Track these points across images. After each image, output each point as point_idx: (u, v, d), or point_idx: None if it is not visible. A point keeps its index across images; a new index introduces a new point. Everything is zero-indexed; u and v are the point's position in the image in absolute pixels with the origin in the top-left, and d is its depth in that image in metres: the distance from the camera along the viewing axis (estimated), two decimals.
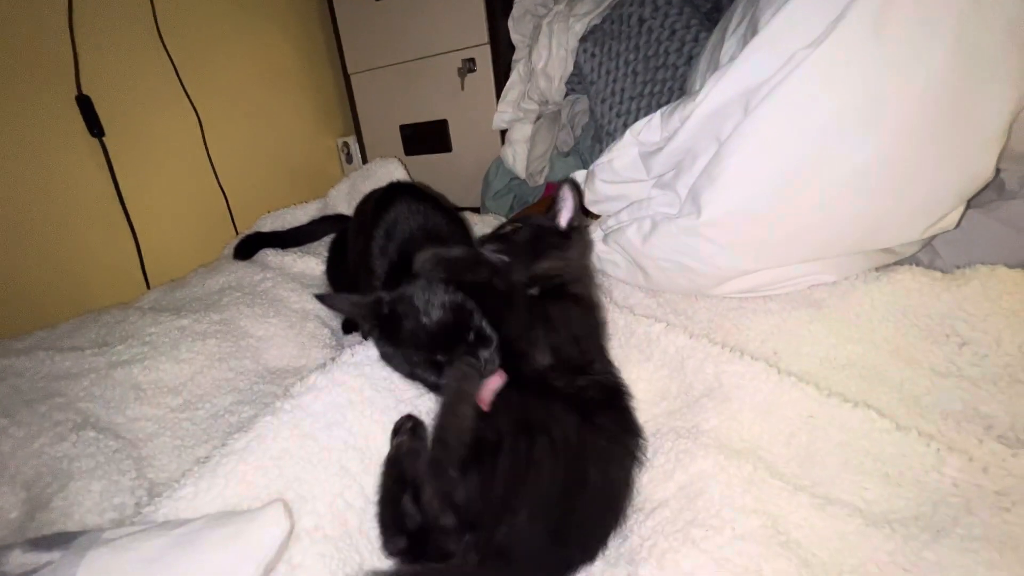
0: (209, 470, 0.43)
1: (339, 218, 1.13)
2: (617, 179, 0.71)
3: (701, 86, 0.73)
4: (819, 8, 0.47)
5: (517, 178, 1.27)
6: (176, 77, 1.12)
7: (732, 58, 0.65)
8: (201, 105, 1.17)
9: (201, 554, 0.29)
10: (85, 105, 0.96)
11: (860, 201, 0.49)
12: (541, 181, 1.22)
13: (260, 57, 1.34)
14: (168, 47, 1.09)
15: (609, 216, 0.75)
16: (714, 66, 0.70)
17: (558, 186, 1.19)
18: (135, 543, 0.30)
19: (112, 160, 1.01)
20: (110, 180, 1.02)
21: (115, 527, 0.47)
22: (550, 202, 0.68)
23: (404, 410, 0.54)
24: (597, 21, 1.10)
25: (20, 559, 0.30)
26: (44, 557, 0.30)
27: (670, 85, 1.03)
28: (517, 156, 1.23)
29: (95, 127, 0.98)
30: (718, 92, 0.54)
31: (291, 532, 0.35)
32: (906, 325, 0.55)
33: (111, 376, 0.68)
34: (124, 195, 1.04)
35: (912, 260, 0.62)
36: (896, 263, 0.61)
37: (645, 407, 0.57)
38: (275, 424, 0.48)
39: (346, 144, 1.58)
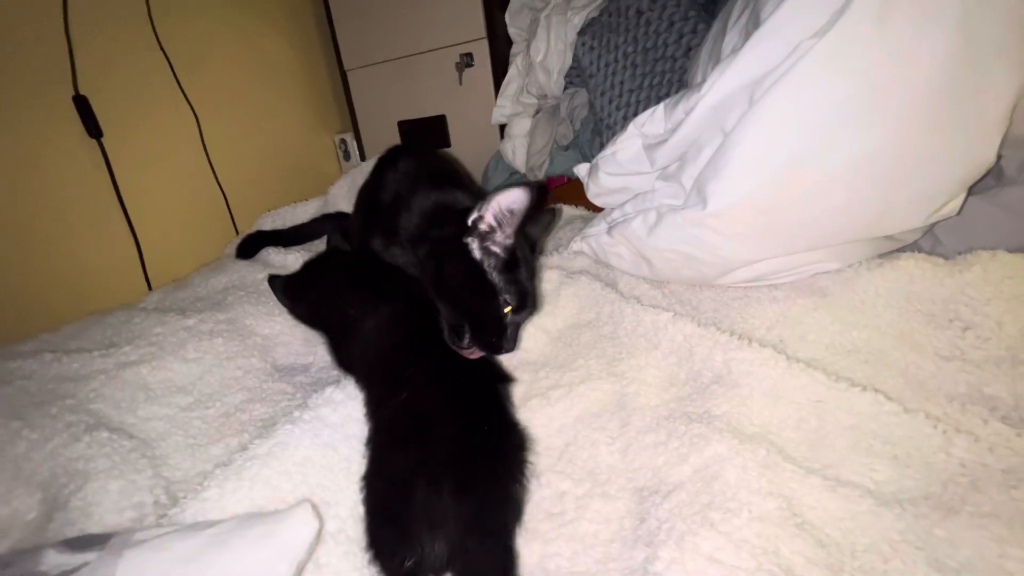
0: (234, 472, 0.44)
1: (340, 216, 1.13)
2: (621, 171, 0.72)
3: (703, 78, 0.74)
4: None
5: (517, 172, 1.28)
6: (173, 76, 1.11)
7: (735, 50, 0.66)
8: (198, 104, 1.16)
9: (237, 553, 0.30)
10: (82, 105, 0.95)
11: (864, 189, 0.50)
12: (541, 175, 1.23)
13: (255, 55, 1.33)
14: (164, 46, 1.08)
15: (613, 209, 0.75)
16: (715, 57, 0.71)
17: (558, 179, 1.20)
18: (170, 543, 0.31)
19: (111, 160, 1.00)
20: (109, 180, 1.01)
21: (136, 525, 0.47)
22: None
23: None
24: (595, 14, 1.10)
25: (55, 559, 0.31)
26: (79, 558, 0.30)
27: (669, 77, 1.04)
28: (517, 150, 1.23)
29: (93, 128, 0.97)
30: (723, 83, 0.54)
31: (320, 532, 0.35)
32: (910, 311, 0.56)
33: (120, 377, 0.68)
34: (123, 195, 1.04)
35: (914, 247, 0.63)
36: (898, 250, 0.62)
37: (655, 393, 0.57)
38: (296, 432, 0.49)
39: (344, 141, 1.57)
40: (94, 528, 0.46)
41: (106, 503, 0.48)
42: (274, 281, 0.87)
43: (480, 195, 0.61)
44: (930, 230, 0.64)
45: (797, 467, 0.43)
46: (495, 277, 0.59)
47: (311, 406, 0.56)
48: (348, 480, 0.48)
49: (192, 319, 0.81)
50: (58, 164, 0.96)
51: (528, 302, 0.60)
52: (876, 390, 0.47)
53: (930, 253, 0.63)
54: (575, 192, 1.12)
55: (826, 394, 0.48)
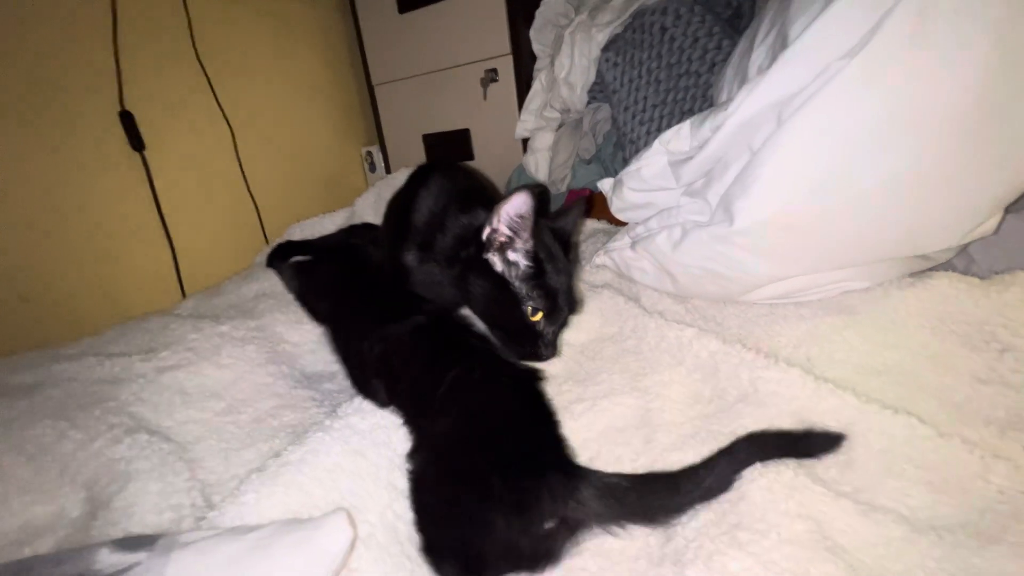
0: (269, 478, 0.45)
1: (366, 227, 1.16)
2: (645, 187, 0.72)
3: (728, 95, 0.74)
4: (853, 20, 0.48)
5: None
6: (211, 92, 1.16)
7: (761, 68, 0.67)
8: (234, 118, 1.21)
9: (277, 558, 0.31)
10: (127, 120, 1.00)
11: (897, 209, 0.50)
12: (563, 189, 1.24)
13: (288, 70, 1.38)
14: (204, 63, 1.13)
15: (637, 223, 0.76)
16: (742, 75, 0.71)
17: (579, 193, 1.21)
18: (215, 546, 0.32)
19: (151, 172, 1.05)
20: (149, 192, 1.06)
21: (175, 526, 0.49)
22: None
23: None
24: (619, 30, 1.11)
25: (109, 559, 0.32)
26: (131, 558, 0.32)
27: (693, 92, 1.04)
28: (539, 164, 1.24)
29: (136, 141, 1.02)
30: (750, 103, 0.55)
31: (354, 539, 0.36)
32: (943, 332, 0.55)
33: (158, 381, 0.71)
34: (162, 206, 1.08)
35: (947, 265, 0.62)
36: (931, 269, 0.61)
37: (679, 409, 0.57)
38: (327, 440, 0.50)
39: (370, 153, 1.61)
40: (136, 528, 0.48)
41: (146, 504, 0.50)
42: (280, 265, 0.90)
43: None
44: (964, 249, 0.63)
45: (827, 490, 0.42)
46: (518, 286, 0.60)
47: (341, 414, 0.57)
48: (376, 486, 0.49)
49: (225, 326, 0.84)
50: (103, 176, 1.01)
51: (560, 303, 0.61)
52: (909, 413, 0.46)
53: (964, 272, 0.62)
54: (599, 205, 1.13)
55: (856, 416, 0.47)
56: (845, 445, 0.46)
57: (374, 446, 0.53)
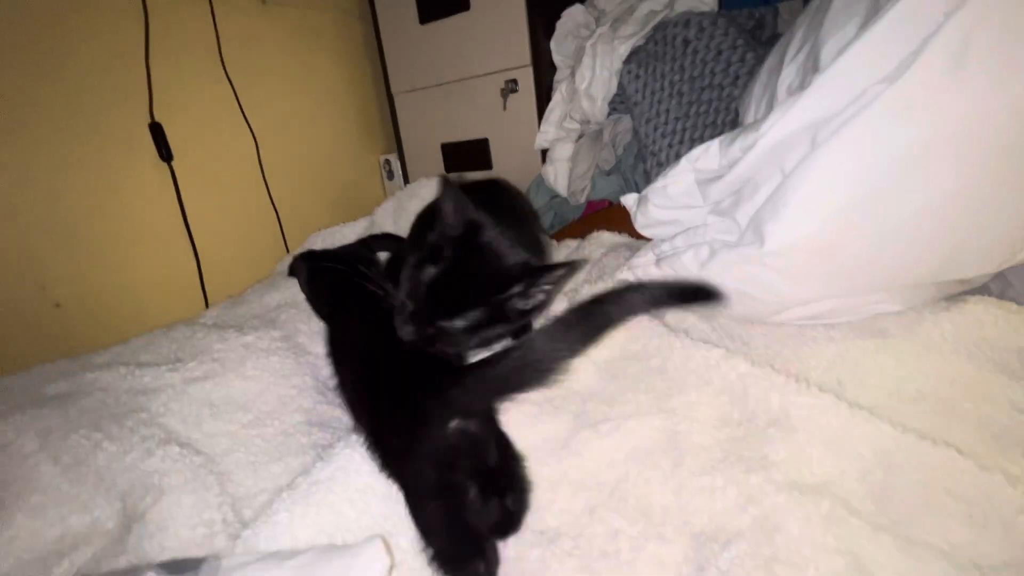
0: (301, 497, 0.46)
1: (386, 237, 1.16)
2: (671, 205, 0.72)
3: (756, 112, 0.74)
4: (891, 44, 0.47)
5: (557, 196, 1.29)
6: (237, 103, 1.18)
7: (791, 87, 0.66)
8: (257, 128, 1.23)
9: None
10: (157, 132, 1.03)
11: (937, 234, 0.49)
12: (583, 200, 1.24)
13: (309, 80, 1.41)
14: (230, 76, 1.16)
15: (662, 240, 0.76)
16: (770, 92, 0.71)
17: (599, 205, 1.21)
18: (258, 572, 0.33)
19: (179, 183, 1.07)
20: (176, 201, 1.08)
21: (207, 541, 0.50)
22: None
23: None
24: (641, 43, 1.11)
25: None
26: None
27: (716, 105, 1.04)
28: (559, 175, 1.25)
29: (165, 152, 1.04)
30: (783, 125, 0.54)
31: (391, 567, 0.36)
32: (980, 358, 0.54)
33: (187, 392, 0.72)
34: (188, 215, 1.10)
35: (983, 289, 0.61)
36: (966, 292, 0.60)
37: (708, 432, 0.57)
38: (356, 458, 0.51)
39: (388, 161, 1.63)
40: (171, 542, 0.49)
41: (180, 518, 0.51)
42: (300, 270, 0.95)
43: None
44: (999, 272, 0.62)
45: (864, 523, 0.42)
46: None
47: None
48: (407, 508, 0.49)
49: (250, 336, 0.85)
50: (132, 186, 1.03)
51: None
52: (947, 444, 0.45)
53: (999, 296, 0.61)
54: (617, 217, 1.13)
55: (893, 446, 0.47)
56: (882, 476, 0.46)
57: None
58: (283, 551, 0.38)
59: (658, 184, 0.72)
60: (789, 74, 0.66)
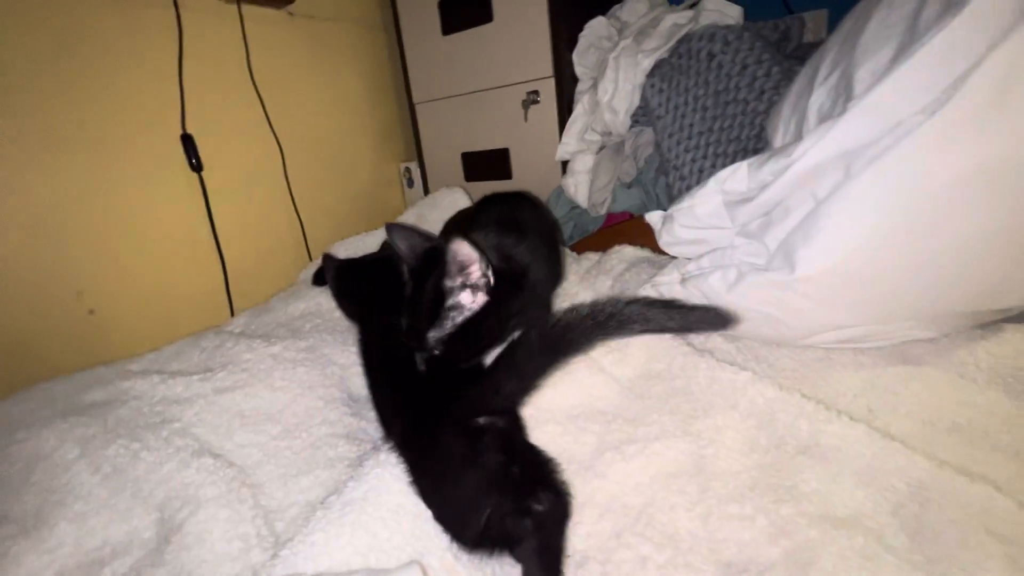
0: (336, 517, 0.47)
1: None
2: (698, 225, 0.72)
3: (785, 134, 0.73)
4: (930, 75, 0.47)
5: (577, 207, 1.29)
6: (264, 113, 1.20)
7: (821, 109, 0.66)
8: (283, 137, 1.25)
9: None
10: (188, 143, 1.05)
11: (976, 265, 0.48)
12: (603, 212, 1.24)
13: (333, 90, 1.43)
14: (258, 86, 1.18)
15: (688, 260, 0.75)
16: (799, 113, 0.70)
17: (619, 217, 1.21)
18: None
19: (208, 192, 1.10)
20: (205, 211, 1.11)
21: (243, 554, 0.51)
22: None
23: None
24: (665, 56, 1.11)
25: None
26: None
27: (740, 120, 1.03)
28: (579, 186, 1.25)
29: (195, 162, 1.06)
30: (817, 151, 0.54)
31: None
32: (1018, 389, 0.53)
33: (217, 402, 0.74)
34: (216, 224, 1.13)
35: (1020, 317, 0.60)
36: (1002, 320, 0.59)
37: (735, 457, 0.57)
38: (387, 477, 0.52)
39: (408, 169, 1.65)
40: (208, 555, 0.51)
41: (216, 531, 0.52)
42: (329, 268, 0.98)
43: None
44: None
45: (899, 560, 0.41)
46: None
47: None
48: (436, 528, 0.50)
49: (276, 346, 0.87)
50: (164, 196, 1.06)
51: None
52: (985, 480, 0.45)
53: None
54: (638, 230, 1.13)
55: (928, 480, 0.46)
56: (916, 510, 0.45)
57: None
58: (326, 575, 0.39)
59: (685, 204, 0.72)
60: (819, 97, 0.66)
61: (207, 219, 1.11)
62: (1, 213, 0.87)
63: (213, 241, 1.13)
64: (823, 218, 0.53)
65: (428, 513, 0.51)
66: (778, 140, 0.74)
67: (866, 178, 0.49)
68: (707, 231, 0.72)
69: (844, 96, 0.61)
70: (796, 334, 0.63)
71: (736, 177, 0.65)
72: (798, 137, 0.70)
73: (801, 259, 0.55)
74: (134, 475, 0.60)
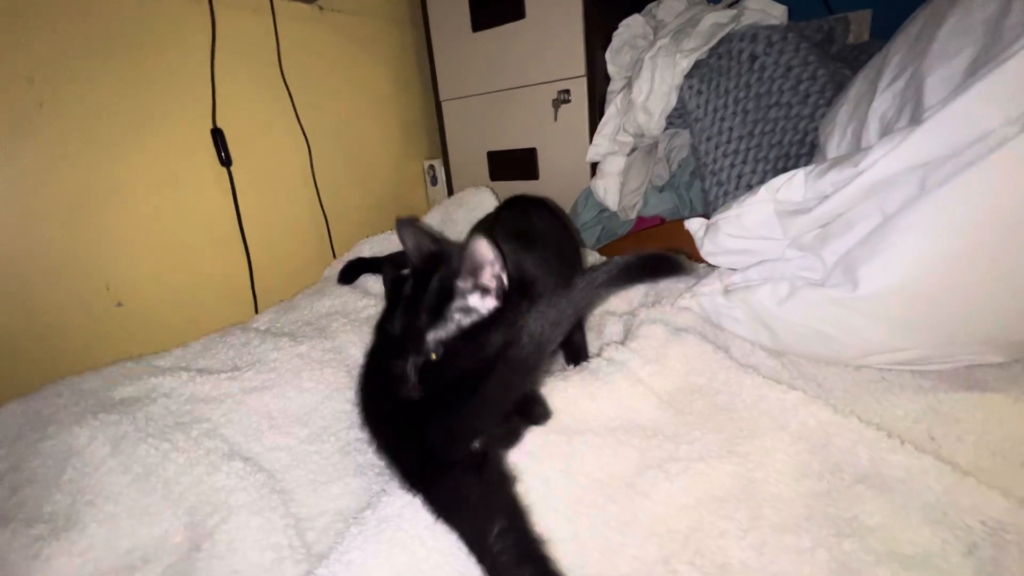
0: (373, 534, 0.45)
1: None
2: (745, 234, 0.69)
3: (841, 139, 0.70)
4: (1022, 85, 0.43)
5: (606, 210, 1.26)
6: (293, 109, 1.19)
7: (884, 117, 0.62)
8: (310, 132, 1.24)
9: None
10: (218, 137, 1.04)
11: None
12: (633, 216, 1.20)
13: (360, 85, 1.41)
14: (288, 82, 1.17)
15: (732, 270, 0.73)
16: (858, 120, 0.67)
17: (649, 222, 1.17)
18: None
19: (236, 187, 1.09)
20: (232, 206, 1.10)
21: (276, 566, 0.50)
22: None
23: (527, 481, 0.54)
24: (704, 56, 1.07)
25: None
26: None
27: (783, 125, 0.99)
28: (609, 189, 1.22)
29: (225, 157, 1.06)
30: (888, 163, 0.51)
31: None
32: None
33: (246, 403, 0.73)
34: (243, 220, 1.12)
35: None
36: None
37: (787, 483, 0.54)
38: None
39: (432, 167, 1.63)
40: (240, 565, 0.49)
41: (248, 540, 0.51)
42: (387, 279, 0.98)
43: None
44: None
45: None
46: None
47: None
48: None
49: (304, 346, 0.86)
50: (193, 190, 1.05)
51: None
52: None
53: None
54: (670, 235, 1.10)
55: (1006, 520, 0.43)
56: (992, 553, 0.42)
57: None
58: None
59: (732, 212, 0.69)
60: (883, 103, 0.62)
61: (235, 214, 1.10)
62: (34, 205, 0.87)
63: (240, 236, 1.12)
64: (893, 233, 0.50)
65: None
66: (832, 147, 0.70)
67: (945, 193, 0.46)
68: (755, 241, 0.69)
69: (912, 103, 0.58)
70: (851, 354, 0.60)
71: (791, 186, 0.62)
72: (856, 145, 0.66)
73: (865, 276, 0.52)
74: (164, 477, 0.59)
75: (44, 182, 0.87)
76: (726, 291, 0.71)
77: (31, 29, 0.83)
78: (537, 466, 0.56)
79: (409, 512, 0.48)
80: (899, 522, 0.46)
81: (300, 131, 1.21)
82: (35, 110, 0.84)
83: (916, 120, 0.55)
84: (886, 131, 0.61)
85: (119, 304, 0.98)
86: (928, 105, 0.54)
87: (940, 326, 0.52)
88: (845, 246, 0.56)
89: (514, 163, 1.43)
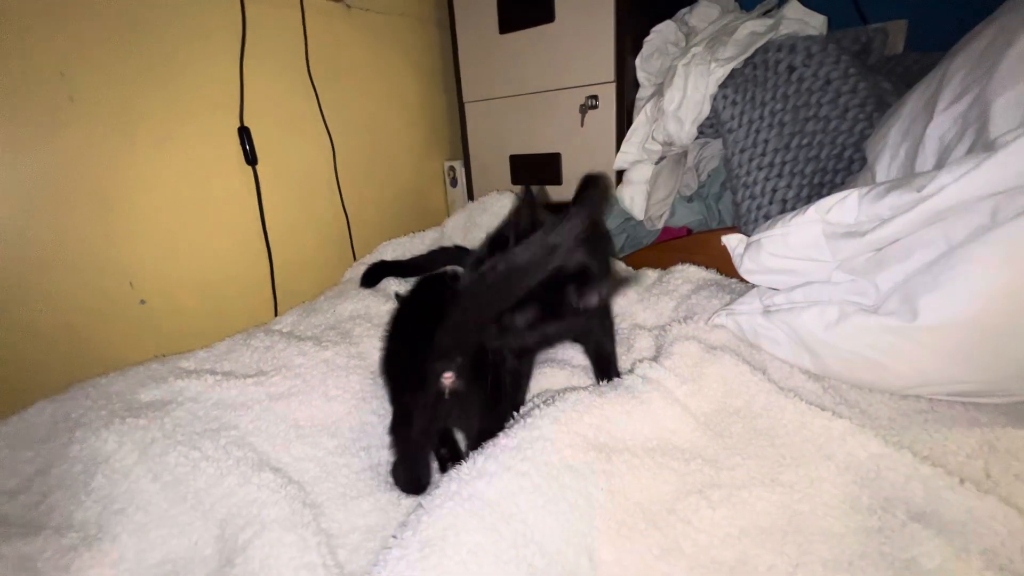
0: (416, 559, 0.44)
1: (458, 250, 1.15)
2: (789, 254, 0.67)
3: (892, 160, 0.68)
4: None
5: (631, 219, 1.25)
6: (319, 108, 1.18)
7: (944, 139, 0.60)
8: (335, 132, 1.23)
9: None
10: (245, 136, 1.03)
11: None
12: (659, 225, 1.18)
13: (385, 84, 1.40)
14: (315, 81, 1.16)
15: (774, 290, 0.71)
16: (912, 140, 0.65)
17: (677, 233, 1.15)
18: None
19: (260, 186, 1.08)
20: (256, 204, 1.09)
21: None
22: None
23: (570, 498, 0.53)
24: (739, 66, 1.05)
25: None
26: None
27: (820, 139, 0.97)
28: (635, 198, 1.20)
29: (251, 155, 1.05)
30: (957, 189, 0.49)
31: None
32: None
33: (273, 410, 0.72)
34: (266, 219, 1.11)
35: None
36: None
37: (835, 516, 0.52)
38: (461, 514, 0.48)
39: (452, 168, 1.61)
40: None
41: (283, 557, 0.50)
42: None
43: None
44: None
45: None
46: None
47: (464, 479, 0.55)
48: (518, 571, 0.46)
49: (329, 351, 0.85)
50: (218, 188, 1.04)
51: None
52: None
53: None
54: (697, 247, 1.08)
55: None
56: None
57: (506, 519, 0.50)
58: None
59: (777, 231, 0.67)
60: (942, 124, 0.60)
61: (258, 213, 1.09)
62: (61, 198, 0.86)
63: (262, 235, 1.11)
64: (959, 264, 0.48)
65: (508, 554, 0.47)
66: (883, 167, 0.68)
67: (1019, 225, 0.44)
68: (799, 262, 0.67)
69: (976, 126, 0.55)
70: (903, 383, 0.58)
71: (843, 208, 0.60)
72: (910, 167, 0.64)
73: (926, 306, 0.50)
74: (194, 487, 0.58)
75: (71, 176, 0.86)
76: (766, 311, 0.69)
77: (62, 23, 0.82)
78: (580, 483, 0.54)
79: (452, 536, 0.47)
80: (960, 566, 0.44)
81: (325, 130, 1.20)
82: (67, 104, 0.83)
83: (982, 145, 0.53)
84: (944, 154, 0.59)
85: (142, 302, 0.97)
86: (995, 130, 0.52)
87: (1004, 361, 0.50)
88: (903, 273, 0.54)
89: (538, 167, 1.41)
